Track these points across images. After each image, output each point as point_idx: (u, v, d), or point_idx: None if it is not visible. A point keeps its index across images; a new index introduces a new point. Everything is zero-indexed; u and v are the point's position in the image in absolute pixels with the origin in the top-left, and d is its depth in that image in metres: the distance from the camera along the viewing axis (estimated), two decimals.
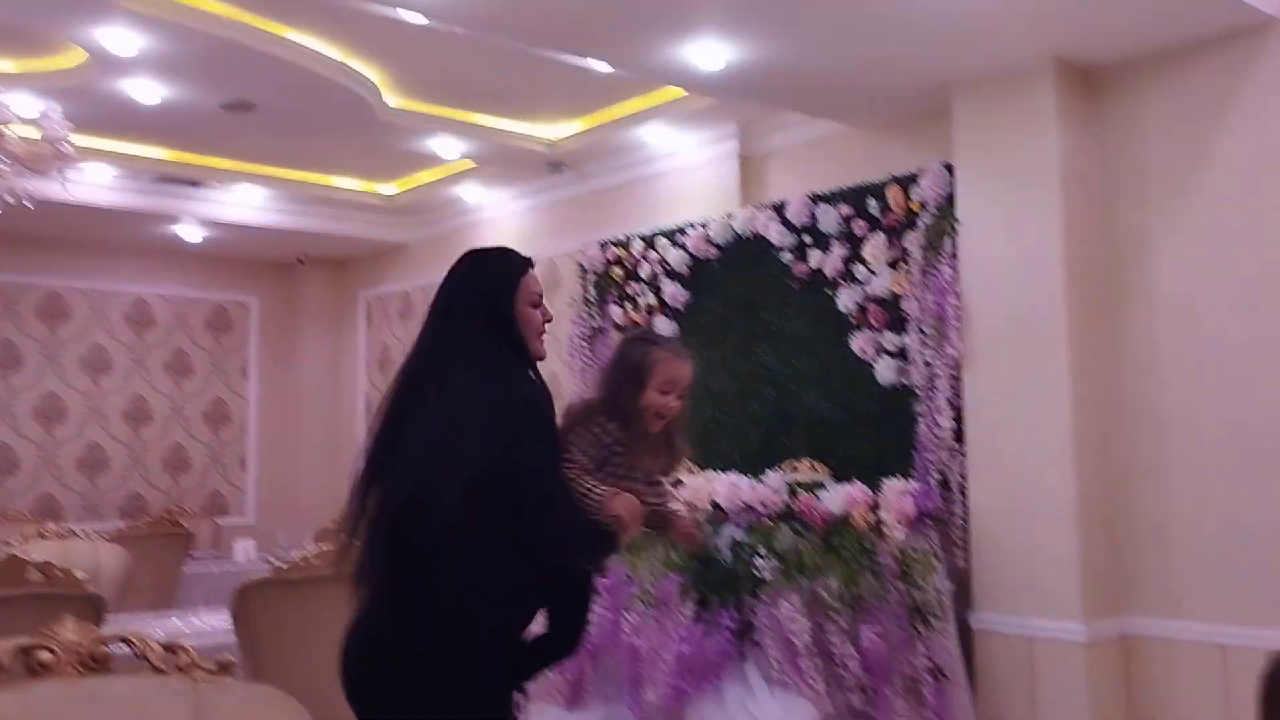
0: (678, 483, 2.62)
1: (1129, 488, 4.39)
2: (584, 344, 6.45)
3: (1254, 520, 4.07)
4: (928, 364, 4.79)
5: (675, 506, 2.61)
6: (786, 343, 5.52)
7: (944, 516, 4.66)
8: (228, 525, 8.21)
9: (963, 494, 4.65)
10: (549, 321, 2.50)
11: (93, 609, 3.09)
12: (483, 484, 2.20)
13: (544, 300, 2.52)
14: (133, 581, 4.68)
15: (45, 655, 1.40)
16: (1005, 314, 4.52)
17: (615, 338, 6.30)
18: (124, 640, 1.45)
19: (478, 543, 2.22)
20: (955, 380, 4.69)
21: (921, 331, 4.81)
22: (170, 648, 1.47)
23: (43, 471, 8.00)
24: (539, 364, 2.46)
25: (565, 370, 6.78)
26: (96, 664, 1.43)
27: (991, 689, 4.47)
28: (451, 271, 2.53)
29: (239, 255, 8.80)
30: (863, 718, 4.31)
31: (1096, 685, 4.24)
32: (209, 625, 4.02)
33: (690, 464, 5.70)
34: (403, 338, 8.57)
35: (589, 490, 2.34)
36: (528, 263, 2.52)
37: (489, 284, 2.45)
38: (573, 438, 2.43)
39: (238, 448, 8.84)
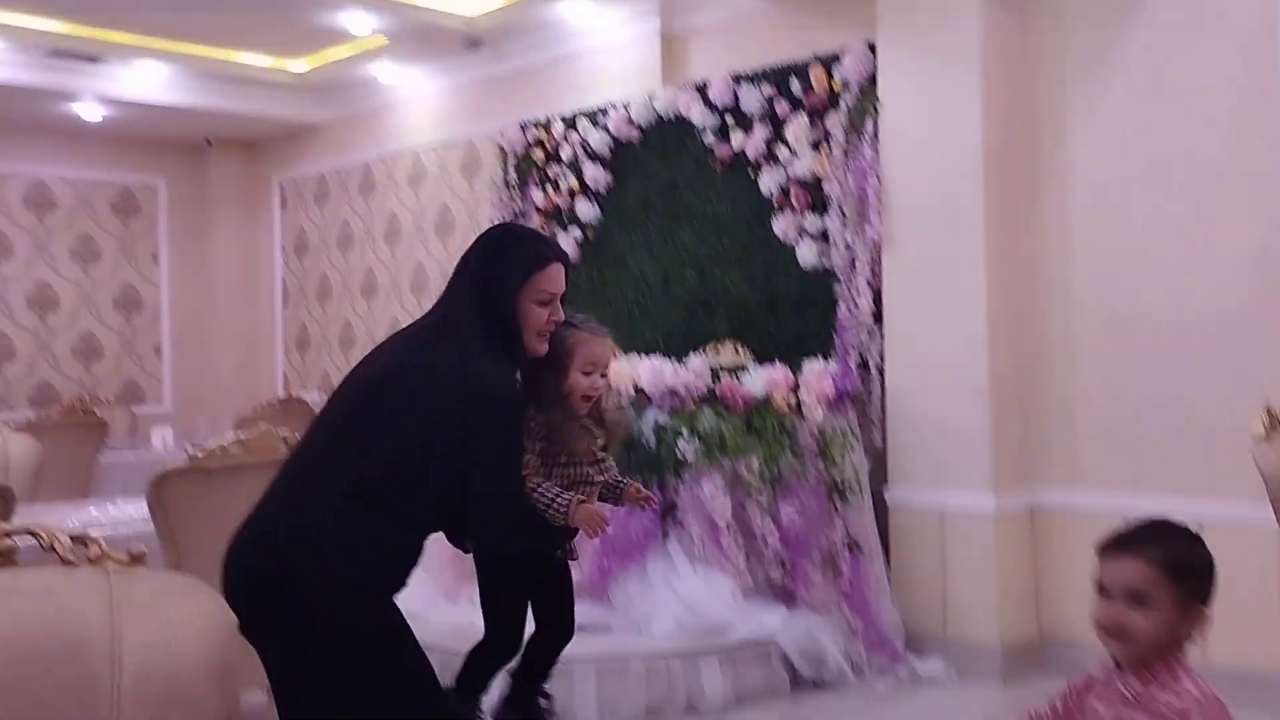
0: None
1: (1040, 365, 4.50)
2: None
3: (1155, 394, 4.21)
4: (848, 246, 4.81)
5: (620, 477, 2.64)
6: (708, 225, 5.51)
7: (862, 396, 4.75)
8: (144, 414, 8.07)
9: (880, 374, 4.73)
10: (557, 321, 2.41)
11: (0, 501, 3.03)
12: (412, 456, 2.20)
13: (556, 299, 2.41)
14: (45, 472, 4.59)
15: None
16: (924, 196, 4.55)
17: (537, 221, 6.23)
18: (30, 533, 1.41)
19: (387, 492, 2.20)
20: (875, 262, 4.73)
21: (842, 213, 4.82)
22: (79, 539, 1.44)
23: None
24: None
25: None
26: (2, 558, 1.39)
27: (904, 560, 4.63)
28: (480, 237, 2.46)
29: (143, 136, 8.46)
30: (781, 590, 4.44)
31: (1004, 554, 4.41)
32: (126, 515, 3.98)
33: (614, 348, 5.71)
34: (319, 222, 8.38)
35: (553, 500, 2.41)
36: (551, 258, 2.40)
37: (498, 267, 2.36)
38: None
39: (152, 335, 8.63)
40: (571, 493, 2.43)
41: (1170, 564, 1.70)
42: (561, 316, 2.44)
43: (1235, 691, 4.07)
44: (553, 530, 2.42)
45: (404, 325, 2.48)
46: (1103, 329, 4.36)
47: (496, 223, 2.42)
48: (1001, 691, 4.24)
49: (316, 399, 7.36)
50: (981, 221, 4.38)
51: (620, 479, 2.62)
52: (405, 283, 7.62)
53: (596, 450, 2.52)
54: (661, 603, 4.30)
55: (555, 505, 2.40)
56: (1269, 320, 3.95)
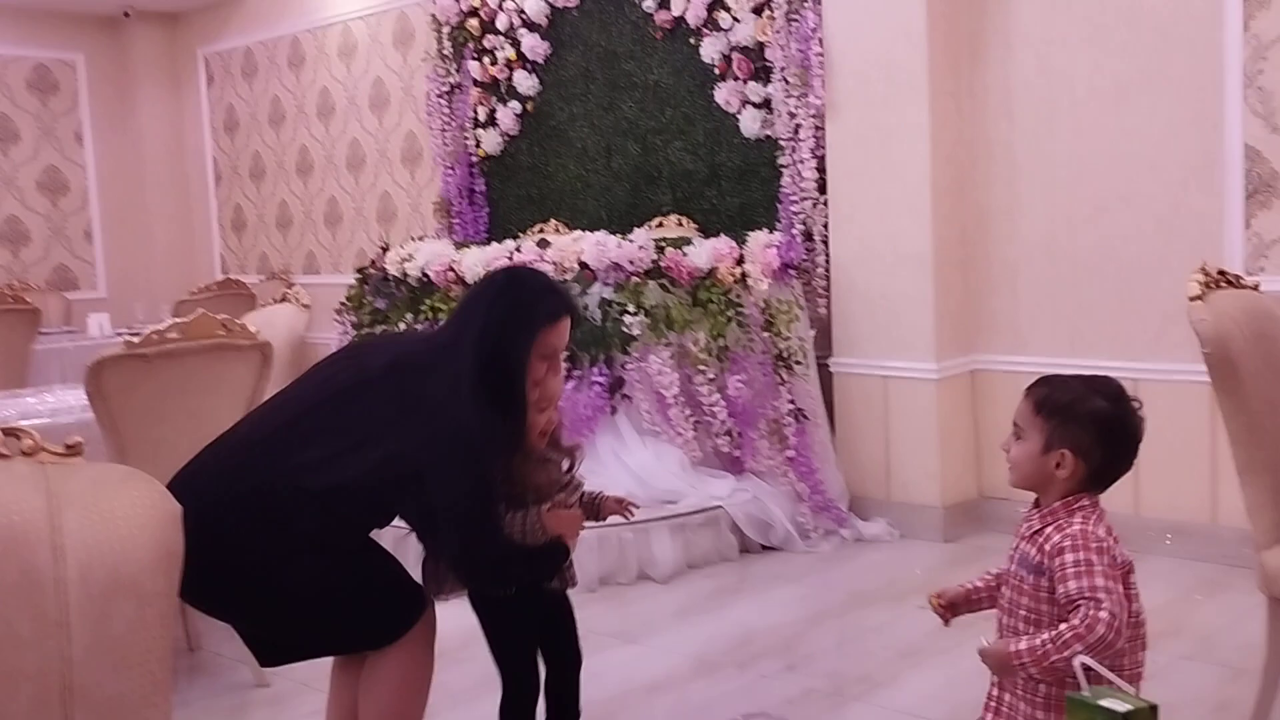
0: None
1: (982, 232, 4.52)
2: (441, 102, 6.20)
3: (1094, 259, 4.26)
4: (791, 114, 4.75)
5: (595, 491, 2.59)
6: (650, 95, 5.41)
7: (807, 267, 4.76)
8: (79, 300, 7.89)
9: (825, 245, 4.74)
10: (554, 375, 2.36)
11: None
12: (377, 475, 2.17)
13: (559, 354, 2.36)
14: None
15: None
16: (868, 61, 4.48)
17: (474, 94, 6.07)
18: None
19: (354, 489, 2.17)
20: (818, 131, 4.68)
21: (785, 81, 4.75)
22: (11, 432, 1.41)
23: None
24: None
25: (425, 130, 6.54)
26: None
27: (848, 426, 4.71)
28: (496, 283, 2.38)
29: (56, 8, 8.06)
30: (729, 460, 4.51)
31: (946, 417, 4.50)
32: (66, 403, 3.91)
33: (558, 225, 5.66)
34: (248, 98, 8.10)
35: (524, 524, 2.38)
36: (561, 312, 2.33)
37: (511, 326, 2.27)
38: None
39: (81, 218, 8.38)
40: (535, 509, 2.40)
41: (1043, 403, 1.85)
42: (561, 372, 2.41)
43: (1168, 540, 4.24)
44: (543, 556, 2.37)
45: (398, 333, 2.41)
46: (1044, 194, 4.37)
47: (509, 265, 2.35)
48: (942, 548, 4.38)
49: (255, 281, 7.24)
50: (925, 86, 4.34)
51: (595, 493, 2.59)
52: (341, 160, 7.44)
53: (560, 479, 2.48)
54: (611, 476, 4.35)
55: (528, 524, 2.40)
56: (1206, 182, 3.98)
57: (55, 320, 7.03)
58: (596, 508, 2.56)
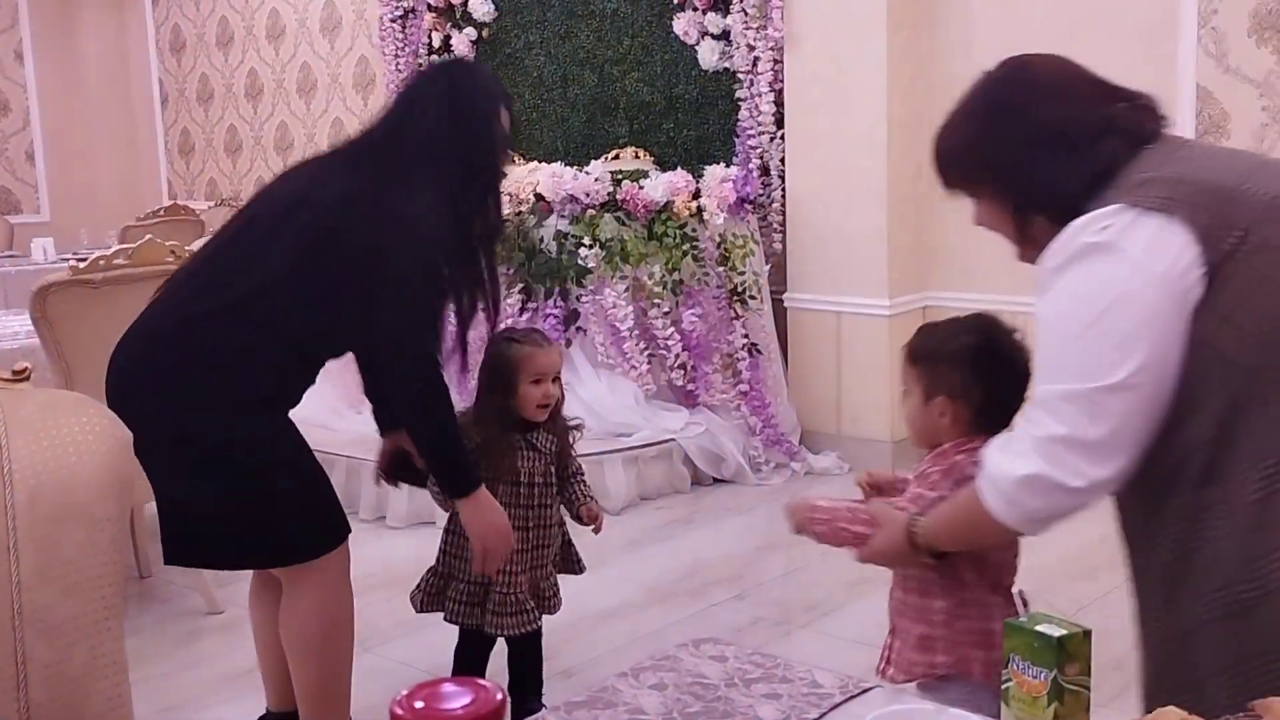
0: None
1: None
2: (395, 26, 6.08)
3: None
4: (750, 47, 4.72)
5: (585, 496, 2.54)
6: (607, 24, 5.34)
7: (763, 202, 4.76)
8: (21, 224, 7.71)
9: (781, 179, 4.74)
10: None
11: None
12: (311, 285, 2.09)
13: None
14: None
15: None
16: None
17: (428, 19, 5.96)
18: None
19: (273, 316, 2.10)
20: (777, 64, 4.66)
21: (744, 13, 4.71)
22: None
23: None
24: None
25: (377, 56, 6.42)
26: None
27: (801, 360, 4.75)
28: (428, 73, 2.35)
29: None
30: (683, 393, 4.55)
31: (897, 353, 4.54)
32: (10, 329, 3.85)
33: (514, 155, 5.59)
34: (195, 19, 7.89)
35: (470, 465, 2.28)
36: (507, 101, 2.28)
37: (463, 102, 2.20)
38: None
39: (22, 140, 8.16)
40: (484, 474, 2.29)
41: (913, 354, 1.79)
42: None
43: None
44: (457, 439, 2.21)
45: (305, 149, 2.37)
46: None
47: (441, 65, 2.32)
48: None
49: (204, 208, 7.12)
50: (884, 19, 4.33)
51: (583, 492, 2.54)
52: (291, 85, 7.28)
53: (522, 472, 2.42)
54: (566, 408, 4.36)
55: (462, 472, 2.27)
56: None
57: None
58: (574, 506, 2.53)
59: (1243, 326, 1.30)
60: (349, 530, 2.30)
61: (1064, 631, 1.07)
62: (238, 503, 2.13)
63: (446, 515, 2.50)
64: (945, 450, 1.71)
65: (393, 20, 6.07)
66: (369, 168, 2.16)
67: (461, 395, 2.65)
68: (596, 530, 2.54)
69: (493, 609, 2.42)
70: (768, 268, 4.72)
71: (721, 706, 1.14)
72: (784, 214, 4.74)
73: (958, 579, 1.67)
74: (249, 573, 2.49)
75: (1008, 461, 1.40)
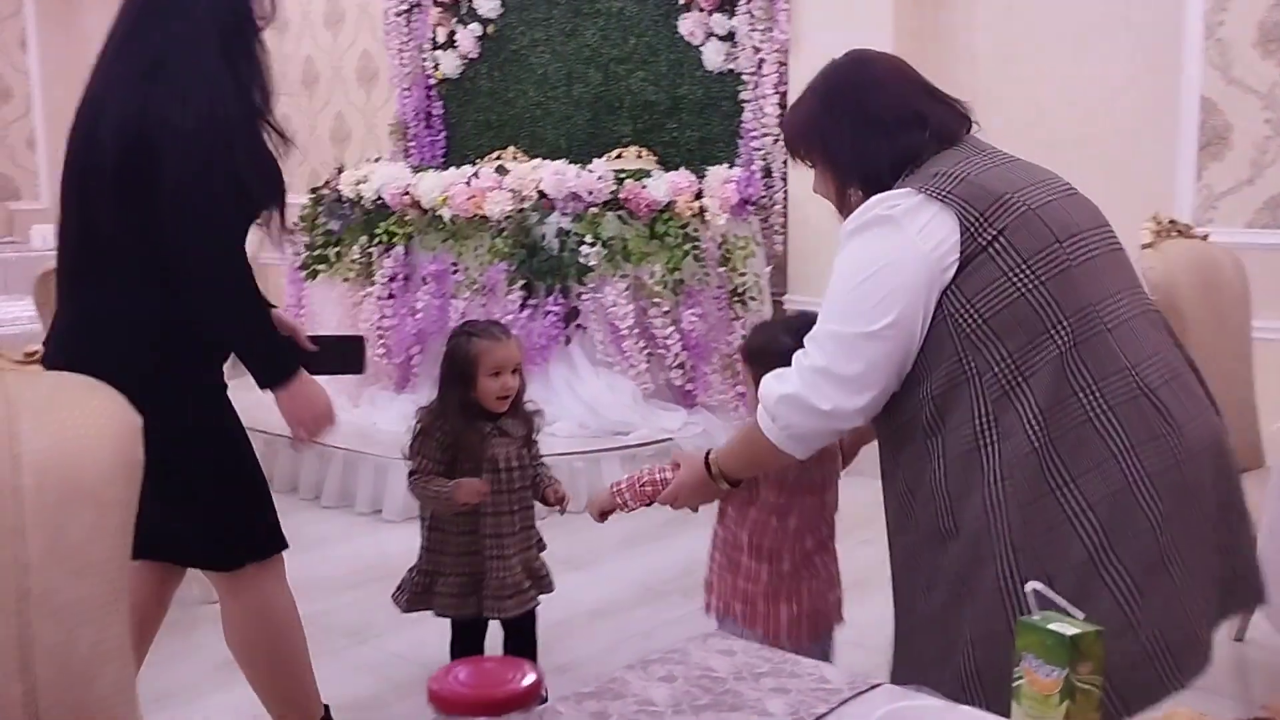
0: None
1: None
2: (399, 20, 6.08)
3: None
4: (755, 49, 4.73)
5: (549, 479, 2.60)
6: (613, 22, 5.34)
7: (765, 203, 4.77)
8: (21, 210, 7.70)
9: (784, 181, 4.74)
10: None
11: None
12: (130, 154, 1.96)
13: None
14: None
15: None
16: None
17: (433, 14, 5.96)
18: None
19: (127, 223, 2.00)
20: (782, 66, 4.67)
21: (750, 14, 4.71)
22: None
23: None
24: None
25: (381, 50, 6.42)
26: None
27: None
28: None
29: None
30: (681, 392, 4.55)
31: None
32: (11, 314, 3.85)
33: (516, 152, 5.61)
34: None
35: (437, 492, 2.42)
36: None
37: None
38: (421, 448, 2.48)
39: (23, 127, 8.14)
40: (451, 482, 2.43)
41: (744, 351, 2.13)
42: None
43: None
44: (264, 315, 2.12)
45: None
46: (1001, 140, 4.34)
47: None
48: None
49: None
50: (890, 24, 4.33)
51: (544, 475, 2.60)
52: (295, 77, 7.27)
53: (500, 459, 2.49)
54: (564, 405, 4.37)
55: (441, 494, 2.43)
56: (1160, 131, 4.03)
57: None
58: (539, 489, 2.58)
59: (978, 312, 1.55)
60: (282, 546, 2.22)
61: (1077, 630, 1.08)
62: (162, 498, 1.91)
63: (427, 515, 2.55)
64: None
65: (398, 14, 6.06)
66: (130, 63, 2.03)
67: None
68: (563, 510, 2.59)
69: (489, 594, 2.48)
70: (768, 269, 4.73)
71: (730, 700, 1.15)
72: (785, 216, 4.75)
73: (738, 545, 2.03)
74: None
75: (776, 384, 1.68)
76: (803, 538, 2.05)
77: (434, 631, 2.68)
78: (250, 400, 2.23)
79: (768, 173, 4.76)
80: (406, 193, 4.76)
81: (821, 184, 1.86)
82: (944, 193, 1.59)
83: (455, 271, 4.58)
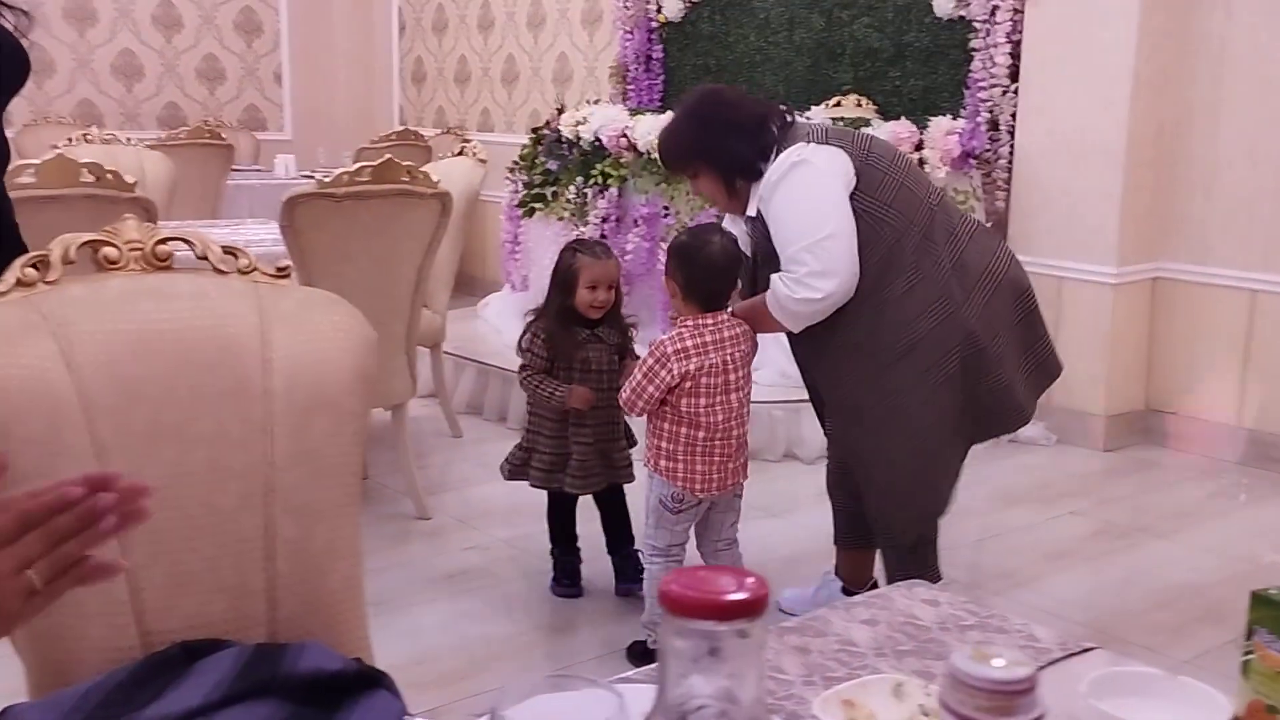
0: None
1: (1182, 130, 4.27)
2: None
3: None
4: None
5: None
6: None
7: (988, 157, 4.59)
8: (266, 140, 8.20)
9: (1010, 135, 4.55)
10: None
11: (144, 212, 3.14)
12: None
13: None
14: (177, 191, 4.73)
15: (110, 251, 1.43)
16: None
17: None
18: (184, 240, 1.48)
19: None
20: (1016, 14, 4.46)
21: None
22: (230, 250, 1.50)
23: (79, 76, 7.90)
24: None
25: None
26: (160, 262, 1.46)
27: None
28: None
29: None
30: None
31: (1120, 325, 4.34)
32: (257, 236, 4.12)
33: None
34: None
35: (551, 393, 2.84)
36: None
37: None
38: (530, 345, 2.89)
39: (272, 61, 8.65)
40: (565, 386, 2.84)
41: (673, 249, 2.57)
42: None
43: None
44: None
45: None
46: (1254, 93, 4.08)
47: None
48: (1101, 457, 4.28)
49: (432, 135, 7.39)
50: None
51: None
52: (522, 19, 7.44)
53: (591, 360, 2.87)
54: (767, 354, 4.35)
55: (555, 395, 2.84)
56: None
57: (245, 158, 7.34)
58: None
59: (882, 204, 2.39)
60: None
61: None
62: None
63: (528, 400, 2.99)
64: (675, 321, 2.57)
65: None
66: None
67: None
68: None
69: (570, 473, 2.90)
70: (988, 225, 4.56)
71: (934, 649, 1.14)
72: (1009, 171, 4.56)
73: (676, 416, 2.53)
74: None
75: (782, 286, 2.38)
76: (714, 412, 2.54)
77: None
78: None
79: (994, 125, 4.57)
80: (623, 135, 4.82)
81: (706, 187, 2.54)
82: (825, 139, 2.42)
83: (666, 215, 4.61)
